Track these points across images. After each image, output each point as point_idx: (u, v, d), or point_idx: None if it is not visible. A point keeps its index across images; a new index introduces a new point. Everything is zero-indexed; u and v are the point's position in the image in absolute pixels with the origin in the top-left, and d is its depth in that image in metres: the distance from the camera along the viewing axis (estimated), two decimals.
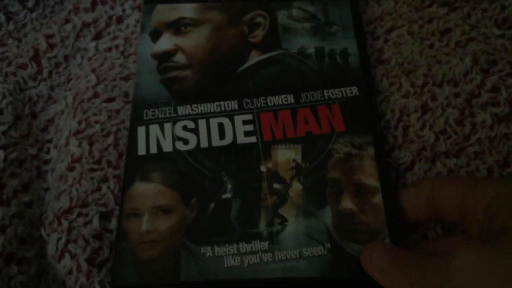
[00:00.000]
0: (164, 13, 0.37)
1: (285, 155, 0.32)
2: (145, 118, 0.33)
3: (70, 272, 0.30)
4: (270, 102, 0.34)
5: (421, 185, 0.29)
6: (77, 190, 0.32)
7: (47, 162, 0.35)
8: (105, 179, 0.33)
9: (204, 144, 0.32)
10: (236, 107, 0.34)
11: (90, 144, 0.34)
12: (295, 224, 0.30)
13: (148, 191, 0.31)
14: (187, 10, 0.37)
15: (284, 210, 0.30)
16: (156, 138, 0.33)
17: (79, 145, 0.34)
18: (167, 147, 0.32)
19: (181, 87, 0.35)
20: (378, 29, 0.38)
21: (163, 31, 0.36)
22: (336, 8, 0.37)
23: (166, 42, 0.36)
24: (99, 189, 0.32)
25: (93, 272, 0.30)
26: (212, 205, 0.30)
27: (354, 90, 0.34)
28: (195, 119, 0.33)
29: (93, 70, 0.37)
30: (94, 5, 0.38)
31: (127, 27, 0.39)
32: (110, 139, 0.34)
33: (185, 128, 0.33)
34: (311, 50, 0.36)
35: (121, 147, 0.34)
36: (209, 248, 0.29)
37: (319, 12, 0.37)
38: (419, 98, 0.34)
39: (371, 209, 0.30)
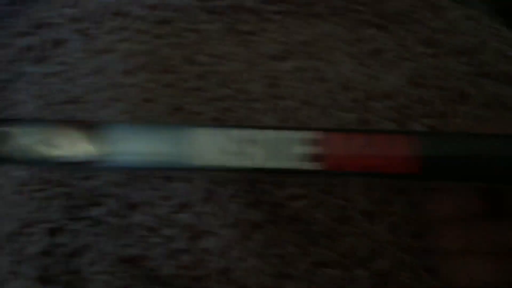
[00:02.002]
0: None
1: None
2: None
3: None
4: None
5: None
6: (24, 211, 0.31)
7: None
8: (53, 197, 0.32)
9: None
10: None
11: None
12: None
13: None
14: None
15: None
16: None
17: (26, 169, 0.33)
18: None
19: None
20: (317, 49, 0.40)
21: None
22: None
23: None
24: (47, 207, 0.32)
25: None
26: None
27: None
28: None
29: (37, 96, 0.36)
30: (36, 28, 0.38)
31: (70, 51, 0.38)
32: None
33: None
34: None
35: None
36: None
37: None
38: (358, 112, 0.36)
39: None
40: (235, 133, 0.20)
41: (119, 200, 0.33)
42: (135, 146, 0.21)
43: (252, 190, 0.34)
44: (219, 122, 0.36)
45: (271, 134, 0.20)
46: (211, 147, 0.21)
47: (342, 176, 0.21)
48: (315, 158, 0.20)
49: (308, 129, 0.20)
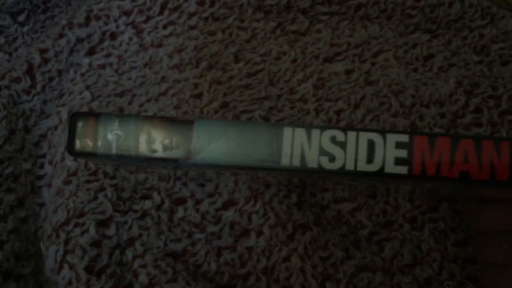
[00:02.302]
0: None
1: None
2: None
3: (69, 282, 0.30)
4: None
5: None
6: (73, 202, 0.32)
7: (40, 177, 0.35)
8: (101, 189, 0.33)
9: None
10: None
11: None
12: None
13: None
14: None
15: None
16: None
17: (75, 159, 0.34)
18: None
19: None
20: (366, 52, 0.40)
21: None
22: None
23: None
24: (95, 198, 0.33)
25: (92, 280, 0.30)
26: None
27: None
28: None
29: (87, 87, 0.37)
30: (88, 20, 0.38)
31: (121, 44, 0.39)
32: None
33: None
34: None
35: None
36: None
37: None
38: (408, 117, 0.36)
39: None
40: (326, 133, 0.20)
41: (165, 195, 0.34)
42: (224, 144, 0.21)
43: (296, 191, 0.34)
44: (265, 120, 0.36)
45: (360, 136, 0.20)
46: (300, 147, 0.20)
47: (426, 181, 0.21)
48: (403, 161, 0.20)
49: (396, 132, 0.20)
